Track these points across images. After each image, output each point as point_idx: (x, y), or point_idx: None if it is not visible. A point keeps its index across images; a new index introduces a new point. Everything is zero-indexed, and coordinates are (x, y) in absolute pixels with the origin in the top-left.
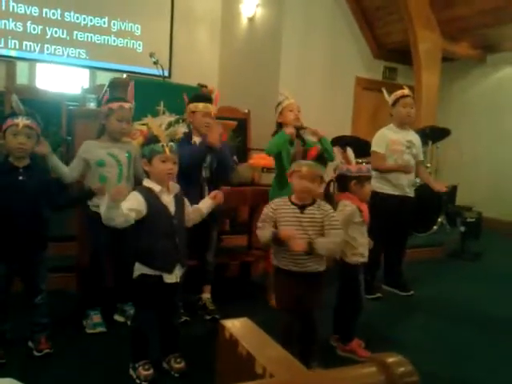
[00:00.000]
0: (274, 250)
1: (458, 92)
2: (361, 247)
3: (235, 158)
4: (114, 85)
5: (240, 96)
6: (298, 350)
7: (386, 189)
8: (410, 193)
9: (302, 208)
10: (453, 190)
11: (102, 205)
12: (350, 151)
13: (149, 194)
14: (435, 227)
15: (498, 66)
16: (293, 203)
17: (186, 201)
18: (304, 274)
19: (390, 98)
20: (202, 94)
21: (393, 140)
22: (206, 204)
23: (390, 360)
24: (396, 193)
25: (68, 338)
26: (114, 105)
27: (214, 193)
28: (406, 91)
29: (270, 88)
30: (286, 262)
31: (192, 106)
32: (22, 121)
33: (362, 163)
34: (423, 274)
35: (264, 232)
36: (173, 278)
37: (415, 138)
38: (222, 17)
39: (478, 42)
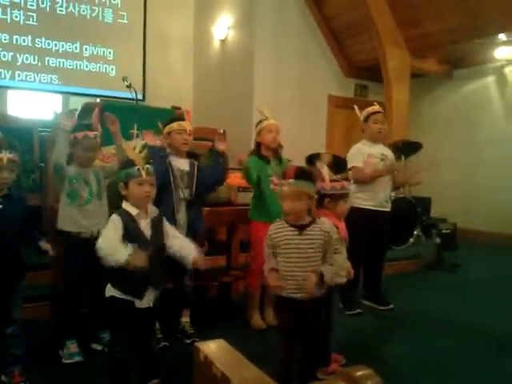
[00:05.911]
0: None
1: (428, 106)
2: (336, 265)
3: None
4: (87, 109)
5: (215, 116)
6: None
7: (364, 203)
8: (388, 207)
9: (301, 229)
10: (427, 202)
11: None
12: (325, 168)
13: (128, 218)
14: (411, 240)
15: (464, 81)
16: (291, 225)
17: (167, 225)
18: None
19: (361, 115)
20: (174, 117)
21: (368, 153)
22: (189, 257)
23: (358, 374)
24: (374, 207)
25: (44, 370)
26: (79, 135)
27: (195, 258)
28: (377, 107)
29: (244, 108)
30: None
31: (167, 128)
32: (5, 155)
33: (338, 180)
34: (402, 286)
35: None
36: (144, 303)
37: (388, 152)
38: (194, 39)
39: (445, 58)
